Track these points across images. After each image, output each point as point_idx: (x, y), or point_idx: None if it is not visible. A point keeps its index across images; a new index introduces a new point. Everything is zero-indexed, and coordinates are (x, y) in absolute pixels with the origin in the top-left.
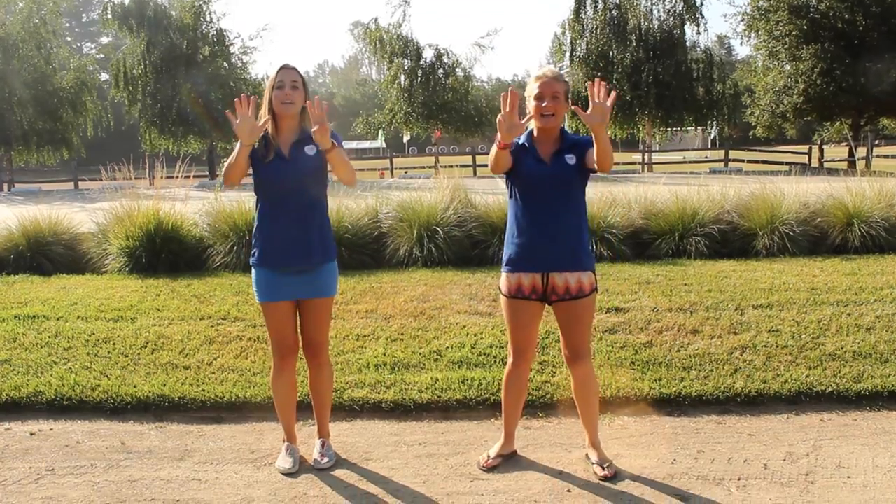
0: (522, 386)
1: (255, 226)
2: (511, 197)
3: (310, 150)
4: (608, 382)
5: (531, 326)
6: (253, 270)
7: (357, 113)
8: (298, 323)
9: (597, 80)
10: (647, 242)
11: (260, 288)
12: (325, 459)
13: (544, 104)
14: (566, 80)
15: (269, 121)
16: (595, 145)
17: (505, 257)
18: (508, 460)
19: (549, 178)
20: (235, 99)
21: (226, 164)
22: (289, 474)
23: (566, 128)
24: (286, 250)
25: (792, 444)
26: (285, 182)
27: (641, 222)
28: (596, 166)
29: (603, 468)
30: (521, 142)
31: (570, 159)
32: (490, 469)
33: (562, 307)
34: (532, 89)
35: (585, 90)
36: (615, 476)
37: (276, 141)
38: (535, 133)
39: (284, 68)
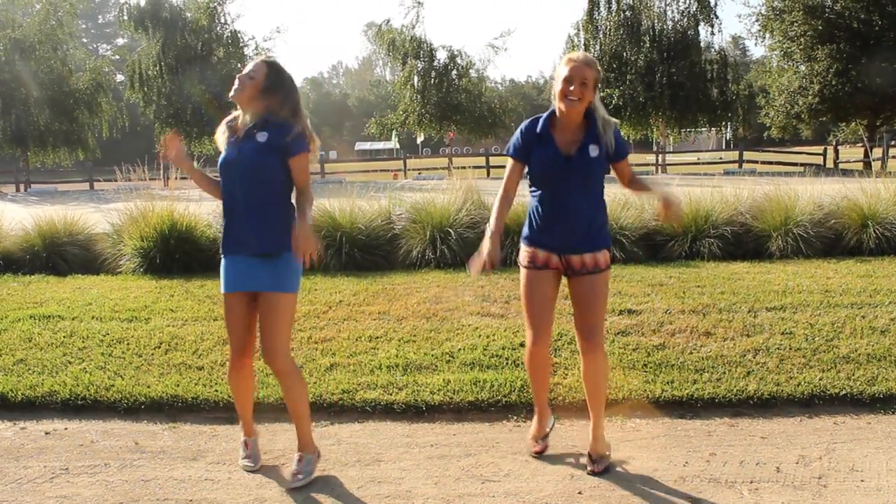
0: (545, 363)
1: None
2: (529, 181)
3: (261, 136)
4: (620, 384)
5: (547, 297)
6: (222, 260)
7: (370, 114)
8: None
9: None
10: (660, 244)
11: (223, 279)
12: (300, 476)
13: (572, 88)
14: (599, 69)
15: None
16: (645, 190)
17: (524, 231)
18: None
19: (569, 171)
20: (164, 142)
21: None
22: (251, 472)
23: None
24: (240, 236)
25: (805, 447)
26: (233, 165)
27: (654, 224)
28: (621, 181)
29: (593, 462)
30: (538, 130)
31: (594, 150)
32: (541, 453)
33: (576, 281)
34: (562, 71)
35: (599, 91)
36: (604, 472)
37: (238, 126)
38: (558, 116)
39: (252, 61)
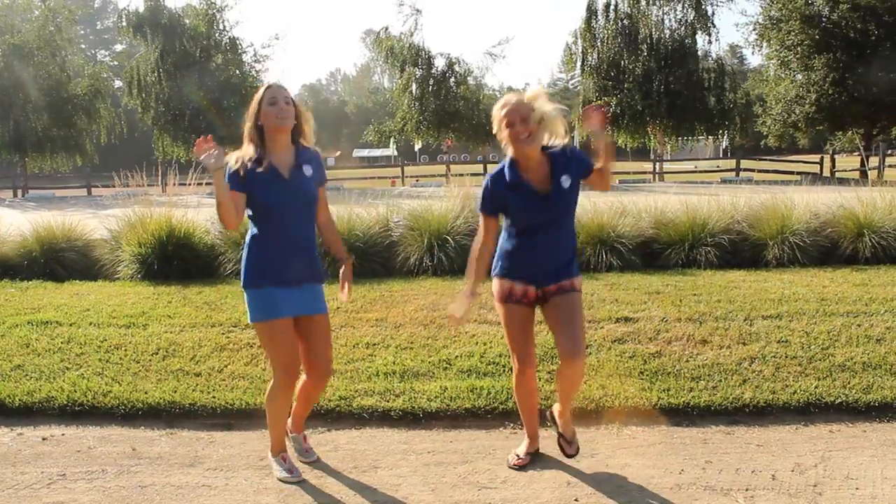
0: (532, 389)
1: (251, 247)
2: (506, 217)
3: (307, 170)
4: (616, 392)
5: (527, 329)
6: (250, 291)
7: (368, 121)
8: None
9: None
10: (656, 252)
11: (264, 307)
12: (312, 451)
13: (517, 128)
14: (530, 103)
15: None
16: (600, 168)
17: (496, 267)
18: (534, 458)
19: (549, 209)
20: (196, 142)
21: (216, 208)
22: (295, 482)
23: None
24: (295, 268)
25: (800, 455)
26: (289, 202)
27: (651, 232)
28: (598, 187)
29: (568, 443)
30: (508, 180)
31: (566, 181)
32: (521, 467)
33: (553, 301)
34: (500, 120)
35: (597, 99)
36: (577, 453)
37: (272, 161)
38: (518, 160)
39: (272, 86)
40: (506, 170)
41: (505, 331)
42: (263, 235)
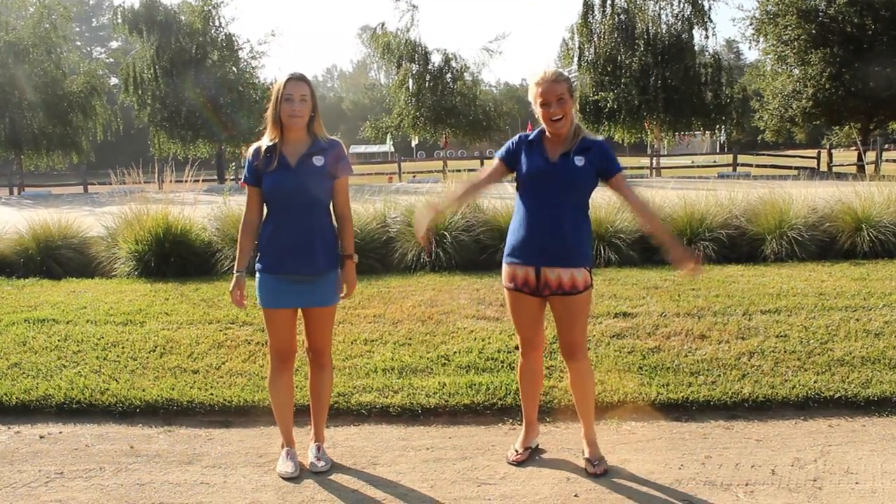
0: (536, 376)
1: (261, 234)
2: (517, 190)
3: (317, 160)
4: (616, 387)
5: (532, 318)
6: (257, 275)
7: (365, 117)
8: (302, 327)
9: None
10: (655, 247)
11: (264, 294)
12: (322, 463)
13: (552, 110)
14: (566, 76)
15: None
16: (646, 219)
17: (506, 248)
18: (533, 453)
19: (551, 176)
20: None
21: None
22: (291, 479)
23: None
24: (290, 258)
25: (800, 449)
26: (290, 191)
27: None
28: (623, 202)
29: (593, 465)
30: (530, 138)
31: (579, 161)
32: (520, 463)
33: (556, 301)
34: (535, 95)
35: (594, 94)
36: (605, 474)
37: (283, 150)
38: (547, 133)
39: (292, 79)
40: (535, 132)
41: (509, 314)
42: (267, 225)
